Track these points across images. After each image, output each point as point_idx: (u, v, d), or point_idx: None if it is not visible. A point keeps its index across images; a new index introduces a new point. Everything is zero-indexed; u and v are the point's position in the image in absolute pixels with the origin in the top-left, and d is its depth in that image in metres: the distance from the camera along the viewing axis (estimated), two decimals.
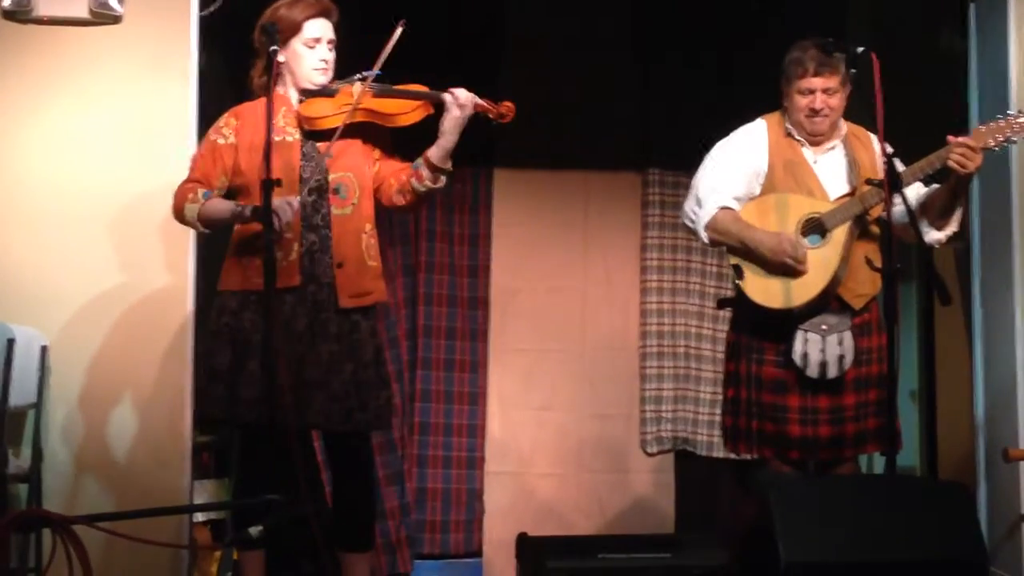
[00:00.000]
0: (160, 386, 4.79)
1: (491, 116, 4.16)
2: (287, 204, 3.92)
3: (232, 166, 4.11)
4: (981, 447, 5.34)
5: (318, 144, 4.13)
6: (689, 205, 4.45)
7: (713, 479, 5.90)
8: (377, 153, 4.21)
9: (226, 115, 4.19)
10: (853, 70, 4.14)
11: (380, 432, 4.87)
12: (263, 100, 4.06)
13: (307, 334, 4.04)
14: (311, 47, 4.12)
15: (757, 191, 4.38)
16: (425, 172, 4.15)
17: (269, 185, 3.81)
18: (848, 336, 4.26)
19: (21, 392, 4.55)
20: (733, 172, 4.39)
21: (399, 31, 4.04)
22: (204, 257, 4.88)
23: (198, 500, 4.99)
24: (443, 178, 4.17)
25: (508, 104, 4.16)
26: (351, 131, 4.11)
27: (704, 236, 4.41)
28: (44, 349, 4.64)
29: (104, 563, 4.20)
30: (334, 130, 4.07)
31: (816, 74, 4.25)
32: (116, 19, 4.74)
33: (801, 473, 4.30)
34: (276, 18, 4.09)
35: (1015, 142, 4.27)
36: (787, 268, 4.22)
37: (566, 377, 5.90)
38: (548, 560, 4.23)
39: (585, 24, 5.84)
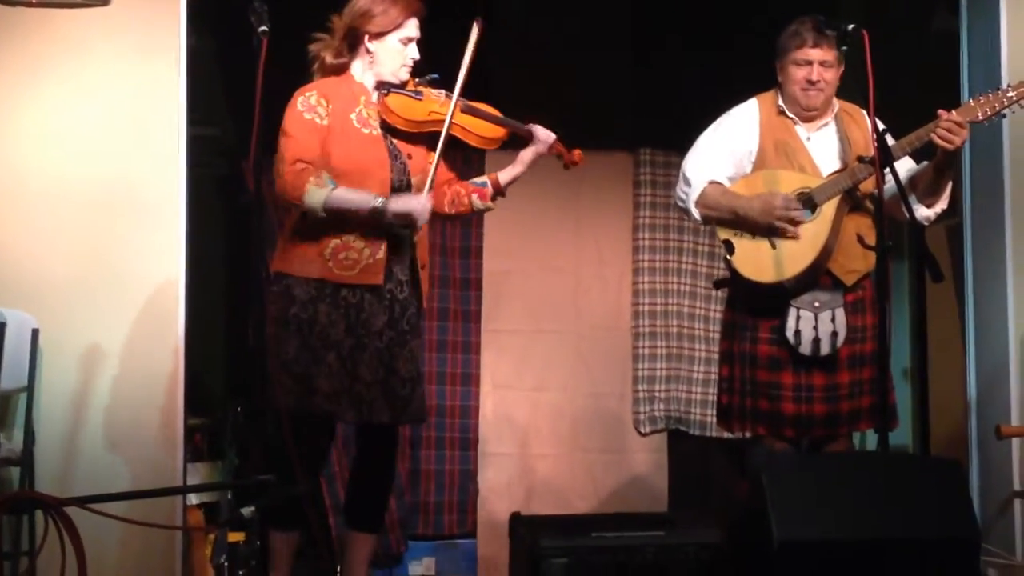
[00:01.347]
0: (152, 369, 4.79)
1: (564, 160, 4.29)
2: (424, 206, 3.95)
3: (324, 150, 4.00)
4: (973, 424, 5.34)
5: (397, 142, 4.11)
6: (680, 186, 4.47)
7: (706, 458, 5.92)
8: (432, 157, 4.17)
9: (314, 93, 4.03)
10: (845, 47, 4.16)
11: None
12: (346, 82, 4.08)
13: (389, 331, 4.04)
14: (404, 44, 4.09)
15: (748, 170, 4.39)
16: (490, 192, 4.23)
17: (259, 170, 3.77)
18: (841, 313, 4.26)
19: (12, 376, 4.55)
20: (723, 151, 4.41)
21: (476, 30, 4.06)
22: (195, 239, 4.87)
23: (191, 483, 4.99)
24: (497, 200, 4.28)
25: (579, 152, 4.29)
26: (419, 134, 4.12)
27: (696, 213, 4.41)
28: (35, 333, 4.63)
29: (97, 546, 4.18)
30: (418, 134, 4.10)
31: (815, 45, 4.27)
32: (105, 1, 4.73)
33: (794, 451, 4.31)
34: (375, 11, 4.04)
35: (1004, 115, 4.27)
36: (781, 224, 4.22)
37: (559, 358, 5.91)
38: (541, 539, 4.23)
39: (578, 4, 5.82)
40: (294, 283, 4.00)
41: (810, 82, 4.30)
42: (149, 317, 4.80)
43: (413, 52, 4.11)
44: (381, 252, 4.01)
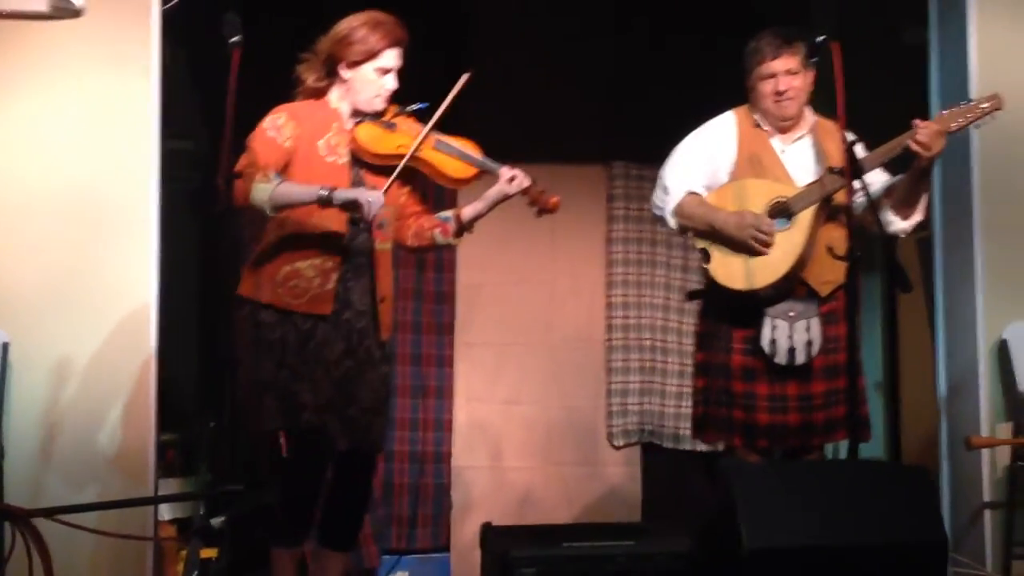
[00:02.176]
0: (124, 383, 4.77)
1: (537, 204, 4.15)
2: (378, 196, 3.89)
3: (283, 169, 3.98)
4: (944, 435, 5.36)
5: (365, 173, 4.08)
6: (657, 194, 4.48)
7: (680, 471, 5.94)
8: (406, 189, 4.19)
9: (284, 114, 4.02)
10: (815, 59, 4.18)
11: None
12: (321, 107, 4.07)
13: (348, 360, 4.03)
14: (380, 75, 4.06)
15: (725, 181, 4.40)
16: (453, 227, 4.20)
17: (231, 180, 3.77)
18: (816, 323, 4.28)
19: None
20: (701, 162, 4.42)
21: (464, 79, 4.03)
22: (168, 253, 4.86)
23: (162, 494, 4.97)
24: (462, 236, 4.24)
25: (555, 200, 4.15)
26: (393, 167, 4.08)
27: (672, 222, 4.43)
28: (6, 347, 4.61)
29: (68, 560, 4.17)
30: (386, 167, 4.05)
31: (775, 57, 4.30)
32: (76, 13, 4.70)
33: (766, 460, 4.32)
34: (354, 39, 4.02)
35: (978, 127, 4.30)
36: (754, 243, 4.24)
37: (533, 371, 5.93)
38: (512, 549, 4.21)
39: (551, 18, 5.85)
40: (257, 308, 4.00)
41: (778, 93, 4.32)
42: (121, 331, 4.77)
43: (390, 83, 4.08)
44: (331, 283, 4.00)
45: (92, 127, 4.79)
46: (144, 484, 4.72)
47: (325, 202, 3.87)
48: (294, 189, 3.91)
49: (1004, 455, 5.08)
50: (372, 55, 4.04)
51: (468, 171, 4.12)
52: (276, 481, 3.92)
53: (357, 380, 4.04)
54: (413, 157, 4.05)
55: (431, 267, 5.85)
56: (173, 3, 4.88)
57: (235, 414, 3.92)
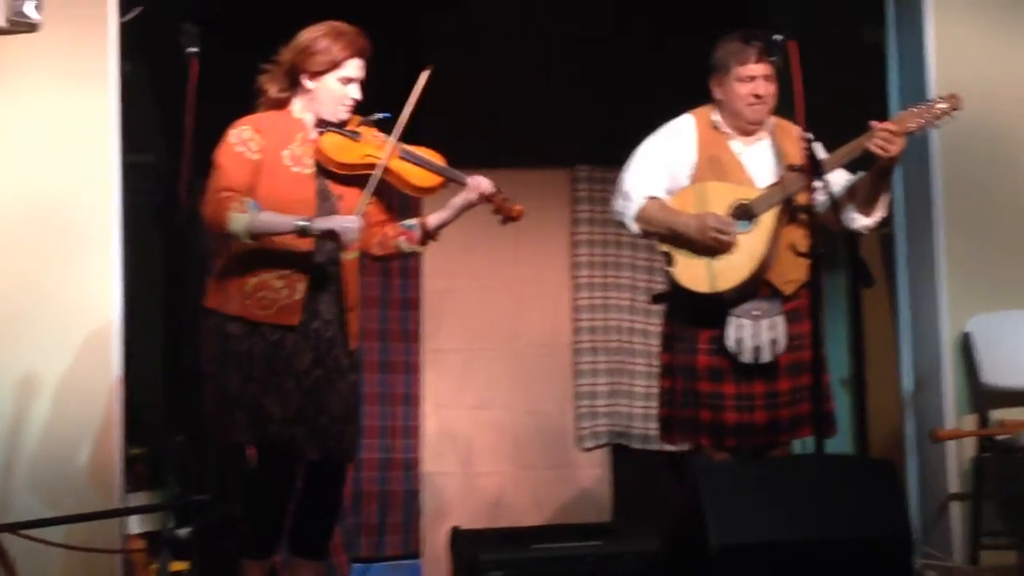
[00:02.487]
0: (90, 397, 4.75)
1: (502, 212, 4.21)
2: (354, 223, 3.93)
3: (253, 183, 3.97)
4: (910, 428, 5.39)
5: (330, 183, 4.09)
6: (617, 200, 4.49)
7: (649, 472, 5.94)
8: (371, 199, 4.18)
9: (249, 126, 4.02)
10: (773, 58, 4.19)
11: None
12: (284, 117, 4.07)
13: (317, 370, 4.03)
14: (344, 84, 4.06)
15: (686, 184, 4.41)
16: (418, 235, 4.23)
17: (193, 188, 3.76)
18: (780, 321, 4.30)
19: None
20: (660, 165, 4.43)
21: (425, 77, 4.04)
22: (131, 266, 4.84)
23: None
24: (427, 244, 4.26)
25: (519, 208, 4.22)
26: (360, 177, 4.09)
27: (634, 228, 4.44)
28: None
29: (37, 574, 4.15)
30: (351, 176, 4.07)
31: (758, 61, 4.30)
32: (33, 27, 4.67)
33: (733, 458, 4.34)
34: (315, 49, 4.02)
35: (937, 127, 4.32)
36: (716, 245, 4.25)
37: (500, 375, 5.94)
38: (481, 553, 4.22)
39: (511, 22, 5.85)
40: (225, 319, 3.99)
41: (757, 96, 4.34)
42: (86, 345, 4.75)
43: (354, 92, 4.08)
44: (299, 293, 4.00)
45: (51, 142, 4.76)
46: (112, 498, 4.70)
47: (303, 232, 3.89)
48: (272, 220, 3.91)
49: (969, 447, 5.11)
50: (335, 65, 4.04)
51: (433, 180, 4.14)
52: (242, 492, 3.91)
53: (327, 390, 4.04)
54: (384, 168, 4.06)
55: (396, 274, 5.84)
56: (130, 16, 4.86)
57: (203, 427, 3.91)
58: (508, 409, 5.92)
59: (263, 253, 3.96)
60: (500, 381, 5.93)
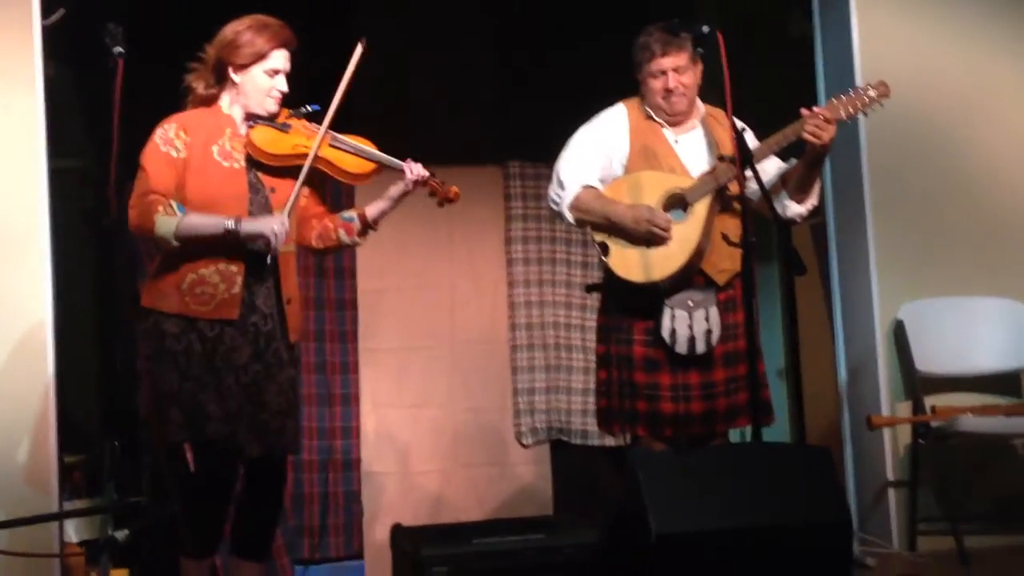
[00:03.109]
0: (24, 406, 4.70)
1: (438, 195, 4.22)
2: (281, 225, 3.91)
3: (179, 182, 3.96)
4: (846, 417, 5.45)
5: (262, 175, 4.06)
6: (553, 188, 4.49)
7: (589, 467, 5.96)
8: (306, 190, 4.16)
9: (173, 125, 3.99)
10: (700, 49, 4.22)
11: None
12: (212, 114, 4.05)
13: (255, 364, 4.00)
14: (270, 76, 4.04)
15: (620, 173, 4.43)
16: (357, 227, 4.20)
17: (120, 190, 3.73)
18: (714, 311, 4.32)
19: None
20: (594, 155, 4.44)
21: (359, 51, 4.03)
22: (62, 272, 4.79)
23: (70, 520, 4.89)
24: (367, 234, 4.23)
25: (455, 189, 4.23)
26: (292, 169, 4.07)
27: (569, 216, 4.44)
28: None
29: None
30: (282, 167, 4.04)
31: (664, 54, 4.32)
32: None
33: (671, 448, 4.35)
34: (240, 42, 4.01)
35: (866, 114, 4.36)
36: (651, 236, 4.27)
37: (438, 373, 5.92)
38: (422, 548, 4.20)
39: (440, 18, 5.85)
40: (161, 318, 3.96)
41: (667, 91, 4.36)
42: (18, 353, 4.70)
43: (280, 84, 4.07)
44: (237, 287, 3.97)
45: None
46: (50, 506, 4.65)
47: (231, 235, 3.88)
48: (199, 222, 3.89)
49: (905, 434, 5.18)
50: (260, 57, 4.03)
51: (366, 167, 4.13)
52: (181, 492, 3.87)
53: (266, 384, 4.02)
54: (316, 157, 4.05)
55: (331, 274, 5.81)
56: (54, 19, 4.81)
57: (139, 429, 3.88)
58: (446, 407, 5.91)
59: (199, 249, 3.93)
60: (438, 379, 5.91)
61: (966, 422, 4.97)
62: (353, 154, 4.12)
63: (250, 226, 3.90)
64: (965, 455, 5.18)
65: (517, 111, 5.92)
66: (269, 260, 4.01)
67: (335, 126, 4.10)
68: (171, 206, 3.88)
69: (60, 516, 4.57)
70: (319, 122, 4.07)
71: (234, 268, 3.97)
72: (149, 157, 3.95)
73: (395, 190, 4.18)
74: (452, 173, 5.72)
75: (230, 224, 3.87)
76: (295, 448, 4.20)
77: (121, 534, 3.40)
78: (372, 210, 4.21)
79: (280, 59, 4.06)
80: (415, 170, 4.16)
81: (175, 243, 3.87)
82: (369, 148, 4.15)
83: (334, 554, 5.67)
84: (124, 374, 4.02)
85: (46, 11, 4.80)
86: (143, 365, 3.96)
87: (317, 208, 4.25)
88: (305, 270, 5.72)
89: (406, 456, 5.83)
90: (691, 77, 4.37)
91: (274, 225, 3.91)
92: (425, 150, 5.55)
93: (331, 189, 4.46)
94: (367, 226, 4.23)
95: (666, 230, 4.26)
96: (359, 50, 4.06)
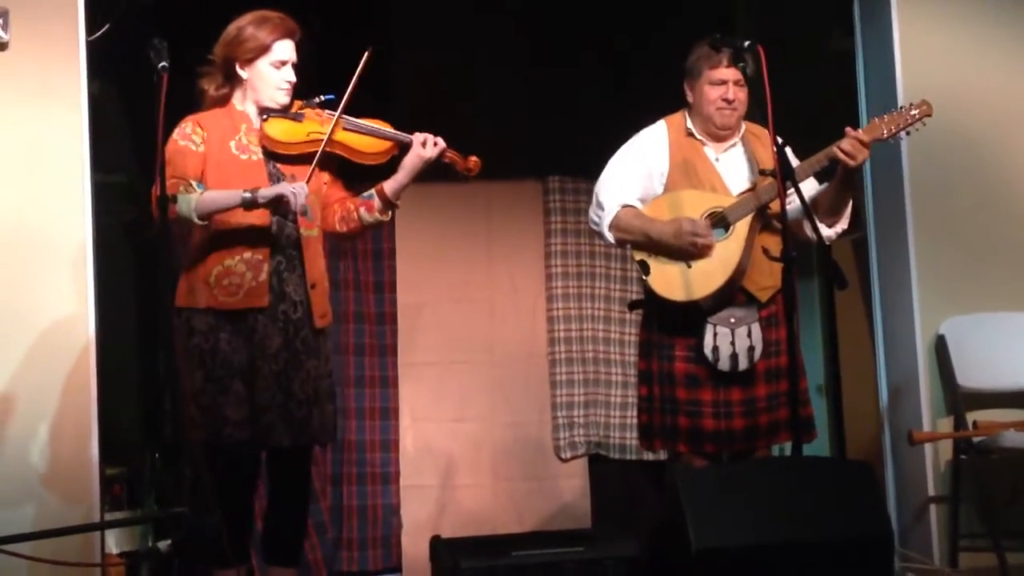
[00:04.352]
0: (65, 416, 4.71)
1: (458, 167, 4.23)
2: (301, 187, 3.93)
3: (200, 173, 4.02)
4: (887, 432, 5.41)
5: (280, 166, 4.12)
6: (593, 209, 4.50)
7: (628, 481, 5.95)
8: (326, 176, 4.21)
9: (190, 123, 4.07)
10: (741, 64, 4.21)
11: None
12: (227, 113, 4.11)
13: (284, 352, 4.03)
14: (277, 68, 4.10)
15: (659, 191, 4.43)
16: (377, 203, 4.20)
17: (164, 201, 3.76)
18: (756, 328, 4.31)
19: None
20: (634, 174, 4.44)
21: (365, 58, 4.06)
22: (104, 286, 4.82)
23: (111, 531, 4.92)
24: (390, 212, 4.23)
25: (475, 159, 4.24)
26: (302, 155, 4.11)
27: (609, 236, 4.45)
28: None
29: None
30: (299, 155, 4.09)
31: (729, 65, 4.32)
32: (2, 46, 4.68)
33: (712, 463, 4.34)
34: (243, 37, 4.06)
35: (908, 133, 4.36)
36: (693, 247, 4.27)
37: (477, 387, 5.92)
38: (461, 561, 4.21)
39: (479, 34, 5.87)
40: (192, 315, 4.01)
41: (726, 101, 4.35)
42: (61, 366, 4.72)
43: (288, 75, 4.12)
44: (263, 274, 4.01)
45: (23, 159, 4.73)
46: (90, 518, 4.66)
47: (250, 204, 3.92)
48: (218, 196, 3.95)
49: (946, 449, 5.14)
50: (264, 50, 4.09)
51: (382, 145, 4.16)
52: (215, 500, 3.90)
53: (294, 374, 4.04)
54: (330, 141, 4.09)
55: (371, 288, 5.83)
56: (99, 34, 4.85)
57: (177, 434, 3.88)
58: (485, 421, 5.91)
59: (222, 239, 3.99)
60: (477, 393, 5.92)
61: (1009, 438, 4.93)
62: (367, 135, 4.15)
63: (267, 192, 3.93)
64: (1007, 471, 5.13)
65: (558, 125, 5.92)
66: (293, 246, 4.04)
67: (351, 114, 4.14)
68: (192, 185, 3.94)
69: (102, 526, 4.59)
70: (333, 111, 4.13)
71: (260, 256, 4.02)
72: (170, 151, 4.00)
73: (410, 161, 4.17)
74: (492, 187, 5.85)
75: (247, 194, 3.90)
76: (325, 438, 4.21)
77: (164, 545, 3.41)
78: (390, 184, 4.20)
79: (284, 50, 4.11)
80: (428, 141, 4.15)
81: (198, 220, 3.91)
82: (383, 127, 4.18)
83: (372, 567, 5.69)
84: (165, 385, 4.02)
85: (91, 27, 4.84)
86: (177, 363, 3.98)
87: (339, 193, 4.28)
88: (345, 284, 5.76)
89: (445, 470, 5.84)
90: (745, 94, 4.37)
91: (291, 188, 3.93)
92: None
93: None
94: (387, 202, 4.21)
95: (708, 238, 4.25)
96: (365, 56, 4.08)
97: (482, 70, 5.87)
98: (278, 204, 3.93)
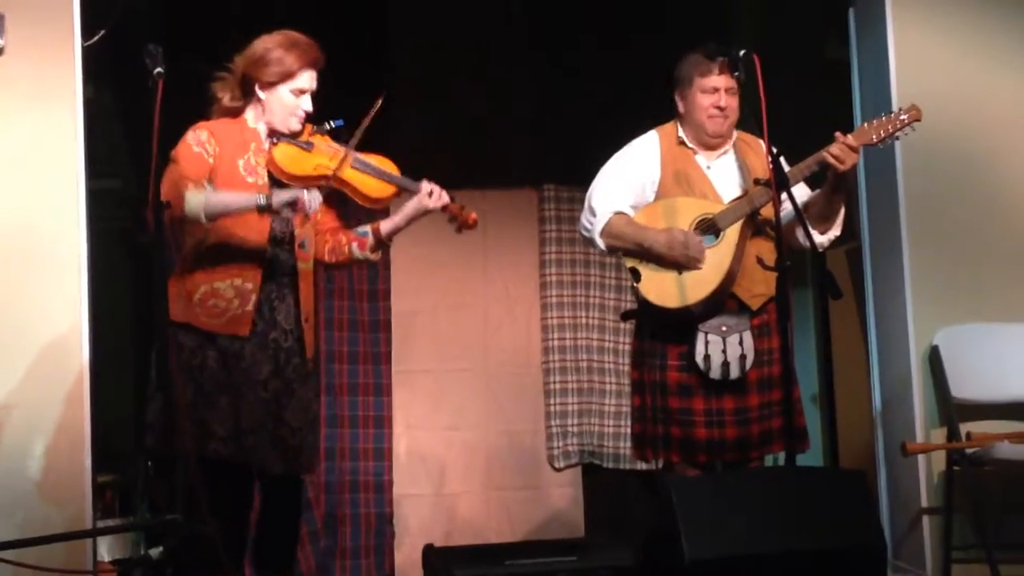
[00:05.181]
0: (57, 425, 4.69)
1: (457, 220, 4.18)
2: (316, 195, 3.90)
3: (210, 180, 3.99)
4: (880, 443, 5.41)
5: (283, 192, 4.06)
6: (584, 216, 4.50)
7: (621, 490, 5.95)
8: (322, 207, 4.18)
9: (206, 131, 4.02)
10: (736, 72, 4.21)
11: None
12: (239, 128, 4.06)
13: (275, 380, 4.01)
14: (296, 96, 4.05)
15: (651, 199, 4.43)
16: (371, 242, 4.19)
17: (158, 208, 3.74)
18: (748, 336, 4.30)
19: None
20: (626, 182, 4.45)
21: (380, 101, 4.04)
22: (98, 292, 4.81)
23: (103, 539, 4.91)
24: (380, 252, 4.22)
25: (474, 216, 4.19)
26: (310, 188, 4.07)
27: (601, 243, 4.45)
28: None
29: None
30: (303, 187, 4.02)
31: (721, 72, 4.33)
32: None
33: (705, 472, 4.34)
34: (269, 59, 4.02)
35: (898, 138, 4.37)
36: (685, 261, 4.27)
37: (471, 396, 5.93)
38: (455, 569, 4.21)
39: (476, 42, 5.87)
40: (179, 329, 3.97)
41: (719, 108, 4.36)
42: (54, 373, 4.70)
43: (306, 104, 4.07)
44: (250, 304, 3.98)
45: (17, 164, 4.71)
46: (83, 525, 4.65)
47: (264, 209, 3.88)
48: (229, 198, 3.91)
49: (940, 460, 5.13)
50: (288, 76, 4.04)
51: (386, 190, 4.12)
52: (210, 509, 3.88)
53: (286, 401, 4.02)
54: (335, 178, 4.05)
55: (365, 296, 5.83)
56: (95, 39, 4.85)
57: (167, 442, 3.87)
58: (479, 429, 5.92)
59: (216, 259, 3.95)
60: (471, 401, 5.93)
61: (1002, 449, 4.93)
62: (373, 177, 4.11)
63: (282, 196, 3.89)
64: (1000, 482, 5.12)
65: (553, 134, 5.94)
66: (288, 276, 4.02)
67: (360, 148, 4.11)
68: (202, 185, 3.90)
69: (94, 533, 4.58)
70: (342, 137, 4.09)
71: (249, 286, 3.98)
72: (182, 152, 3.97)
73: (411, 207, 4.15)
74: (487, 196, 5.85)
75: (262, 200, 3.86)
76: (311, 467, 4.20)
77: (156, 552, 3.40)
78: (387, 225, 4.19)
79: (307, 79, 4.07)
80: (434, 192, 4.12)
81: (205, 220, 3.87)
82: (390, 171, 4.14)
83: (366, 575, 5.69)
84: (154, 389, 4.01)
85: (87, 33, 4.83)
86: (172, 375, 3.98)
87: (332, 223, 4.26)
88: (339, 293, 5.76)
89: (438, 478, 5.84)
90: (736, 102, 4.37)
91: (303, 191, 3.89)
92: (461, 173, 5.64)
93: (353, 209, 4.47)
94: (380, 241, 4.21)
95: (700, 253, 4.25)
96: (379, 102, 4.06)
97: (480, 78, 5.87)
98: (293, 206, 3.90)
